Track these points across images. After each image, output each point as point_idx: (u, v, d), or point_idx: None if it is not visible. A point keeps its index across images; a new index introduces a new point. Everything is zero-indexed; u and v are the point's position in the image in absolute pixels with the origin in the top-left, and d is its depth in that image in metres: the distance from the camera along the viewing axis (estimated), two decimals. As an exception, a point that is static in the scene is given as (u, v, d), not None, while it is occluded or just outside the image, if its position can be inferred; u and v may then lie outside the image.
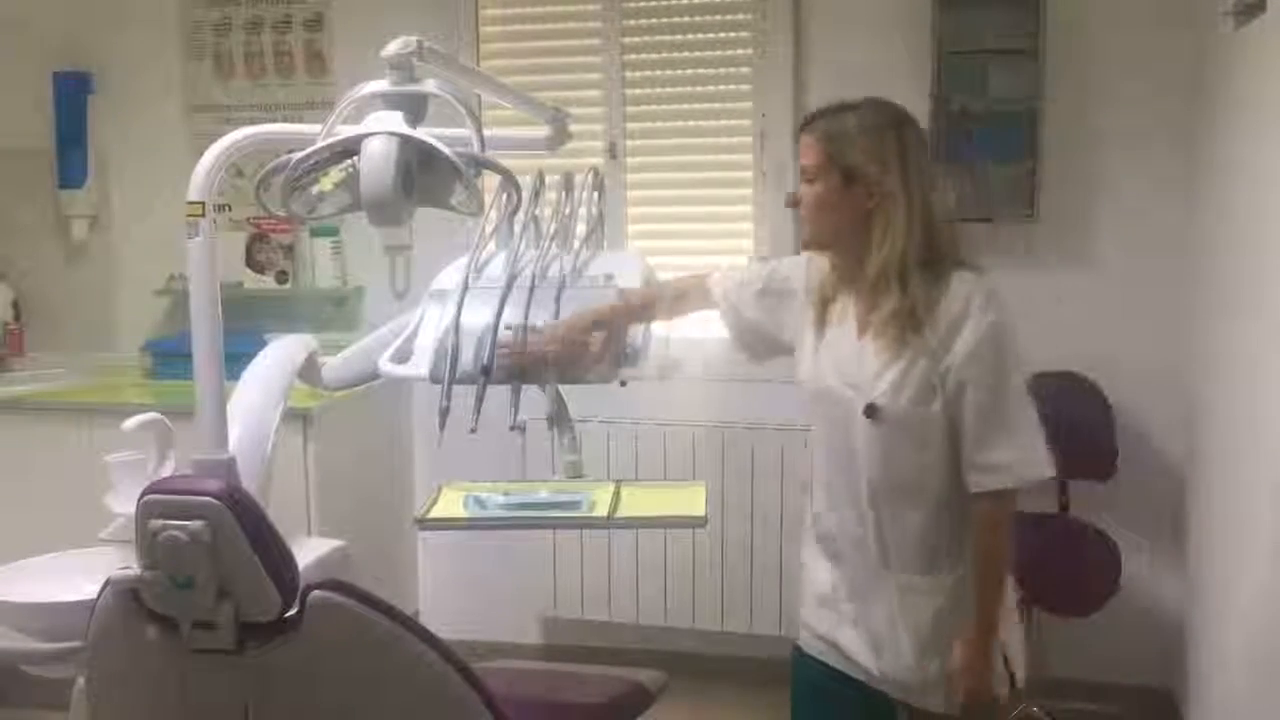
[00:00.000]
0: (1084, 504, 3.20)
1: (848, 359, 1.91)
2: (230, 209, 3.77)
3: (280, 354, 2.34)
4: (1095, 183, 3.27)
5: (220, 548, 1.49)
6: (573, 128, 2.43)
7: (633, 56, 3.53)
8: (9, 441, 3.41)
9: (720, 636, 3.50)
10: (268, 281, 3.73)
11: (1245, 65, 2.54)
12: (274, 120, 3.53)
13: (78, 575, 2.14)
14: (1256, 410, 2.36)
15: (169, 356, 3.59)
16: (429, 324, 2.17)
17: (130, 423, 2.26)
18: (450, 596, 3.74)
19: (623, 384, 2.11)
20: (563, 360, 2.02)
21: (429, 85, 1.74)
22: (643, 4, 3.51)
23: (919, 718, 1.94)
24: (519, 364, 2.01)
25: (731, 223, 3.57)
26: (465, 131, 1.74)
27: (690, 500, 2.36)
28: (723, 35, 3.48)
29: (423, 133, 1.69)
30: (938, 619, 1.90)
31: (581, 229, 2.30)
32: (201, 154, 1.89)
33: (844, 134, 1.88)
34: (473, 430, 2.04)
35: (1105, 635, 3.20)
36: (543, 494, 2.40)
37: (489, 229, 2.24)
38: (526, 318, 2.10)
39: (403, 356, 2.16)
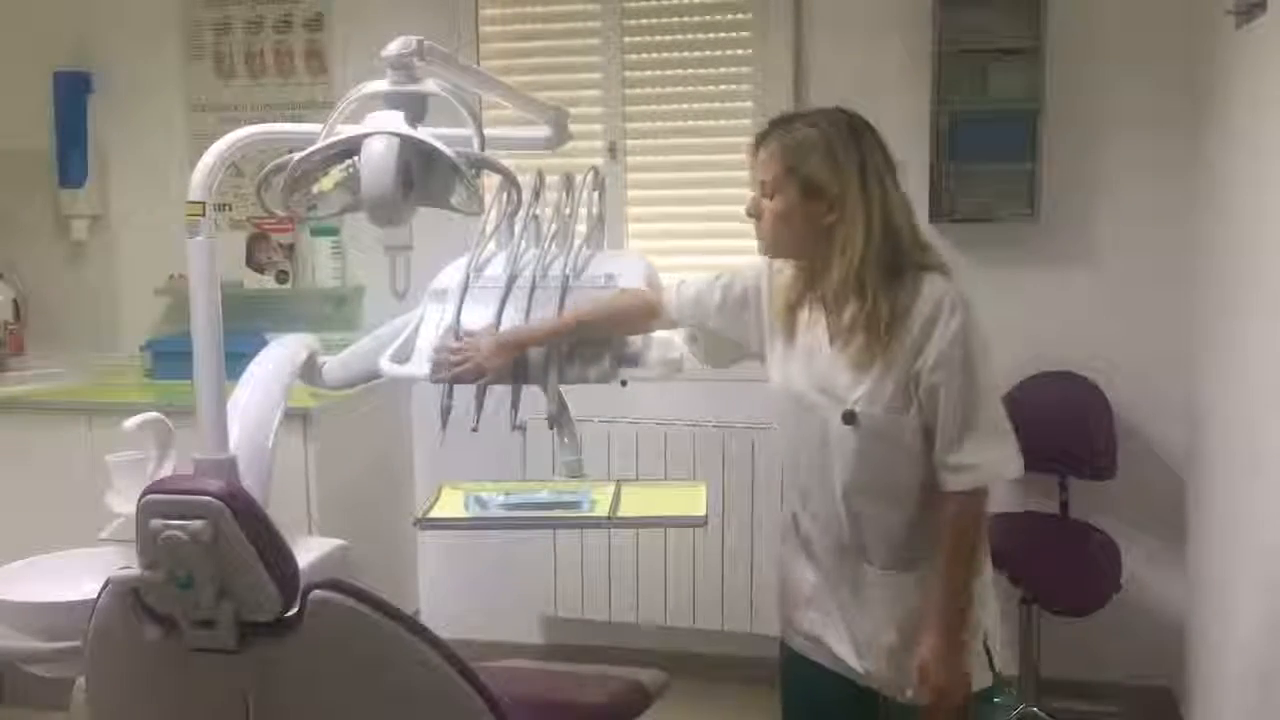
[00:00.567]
0: (1084, 504, 3.20)
1: (820, 367, 1.91)
2: (230, 209, 3.78)
3: (280, 354, 2.33)
4: (1095, 183, 3.27)
5: (221, 547, 1.49)
6: (573, 128, 2.44)
7: (633, 56, 3.53)
8: (9, 441, 3.41)
9: (720, 636, 3.50)
10: (268, 281, 3.72)
11: (1246, 65, 2.54)
12: (274, 120, 3.52)
13: (78, 575, 2.13)
14: (1256, 410, 2.36)
15: (169, 356, 3.58)
16: (429, 324, 2.17)
17: (130, 423, 2.26)
18: (450, 596, 3.74)
19: (623, 384, 2.11)
20: (501, 373, 2.05)
21: (429, 85, 1.75)
22: (643, 4, 3.51)
23: (906, 712, 1.95)
24: (460, 371, 2.04)
25: (731, 222, 3.56)
26: (465, 131, 1.75)
27: (690, 500, 2.37)
28: (723, 35, 3.48)
29: (423, 132, 1.69)
30: (921, 614, 1.90)
31: (582, 229, 2.30)
32: (201, 154, 1.89)
33: (800, 147, 1.87)
34: (474, 429, 2.05)
35: (1105, 635, 3.20)
36: (543, 494, 2.40)
37: (489, 229, 2.25)
38: (527, 318, 2.10)
39: (403, 356, 2.17)
